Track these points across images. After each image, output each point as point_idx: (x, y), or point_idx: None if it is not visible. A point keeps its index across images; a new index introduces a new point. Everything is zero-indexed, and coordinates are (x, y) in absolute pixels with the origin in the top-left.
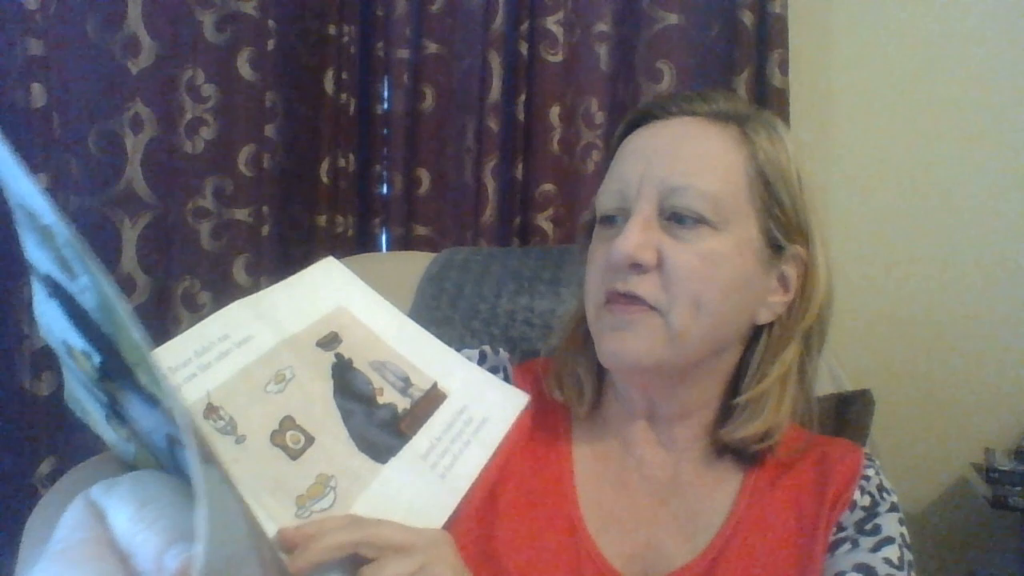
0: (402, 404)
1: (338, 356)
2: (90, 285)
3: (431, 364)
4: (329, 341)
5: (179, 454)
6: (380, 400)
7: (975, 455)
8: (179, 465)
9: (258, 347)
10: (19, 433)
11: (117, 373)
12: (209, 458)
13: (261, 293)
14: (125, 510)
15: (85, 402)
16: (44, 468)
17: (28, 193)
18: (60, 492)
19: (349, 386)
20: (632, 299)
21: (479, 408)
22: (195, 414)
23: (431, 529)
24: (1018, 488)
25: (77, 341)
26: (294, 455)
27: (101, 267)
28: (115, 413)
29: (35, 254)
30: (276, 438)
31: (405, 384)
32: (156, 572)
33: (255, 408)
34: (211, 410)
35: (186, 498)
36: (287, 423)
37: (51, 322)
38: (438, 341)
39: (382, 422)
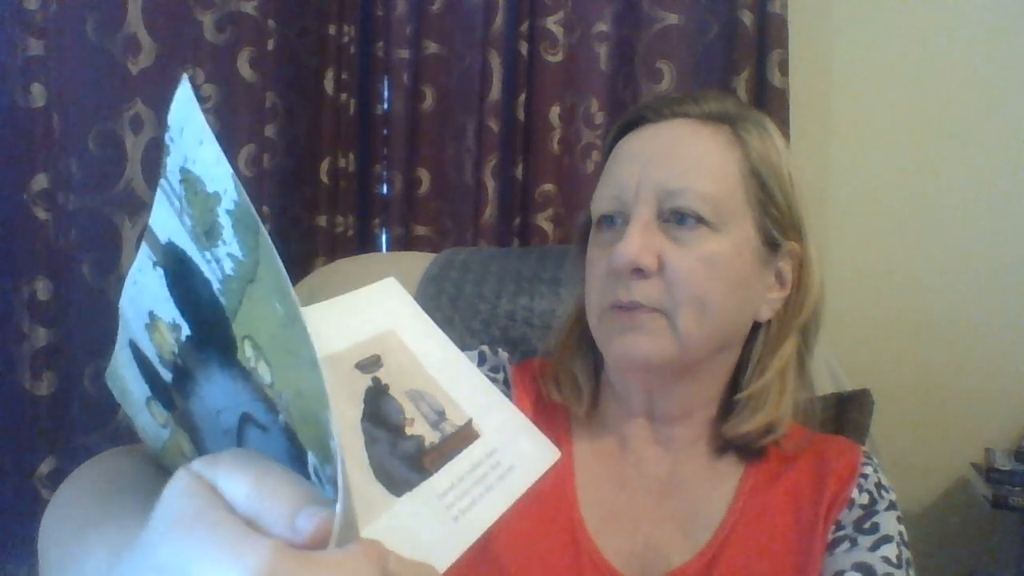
0: (430, 438)
1: (375, 380)
2: (236, 253)
3: (470, 400)
4: (370, 364)
5: (250, 434)
6: (409, 431)
7: (975, 455)
8: (244, 447)
9: None
10: (19, 433)
11: (210, 347)
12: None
13: (313, 306)
14: (243, 479)
15: (129, 382)
16: (44, 468)
17: (206, 159)
18: (73, 486)
19: (379, 412)
20: (637, 307)
21: (508, 455)
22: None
23: (427, 565)
24: (1018, 488)
25: (168, 313)
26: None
27: (264, 231)
28: (170, 395)
29: (163, 222)
30: None
31: (439, 418)
32: (287, 534)
33: None
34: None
35: (295, 472)
36: None
37: (142, 291)
38: (484, 379)
39: (405, 454)
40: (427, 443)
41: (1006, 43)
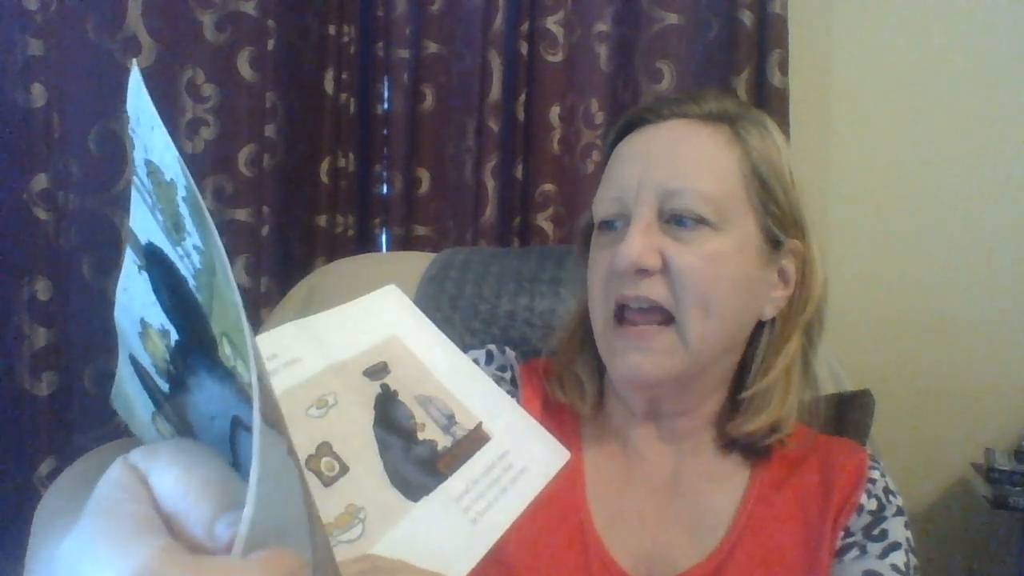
0: (443, 442)
1: (384, 387)
2: (199, 244)
3: (478, 403)
4: (377, 371)
5: (242, 440)
6: (420, 436)
7: (975, 455)
8: (237, 455)
9: (305, 370)
10: (19, 433)
11: (196, 350)
12: (276, 425)
13: (316, 316)
14: (171, 472)
15: (134, 399)
16: (44, 468)
17: (158, 145)
18: (67, 484)
19: (390, 418)
20: (644, 314)
21: (520, 457)
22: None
23: None
24: (1018, 488)
25: (157, 318)
26: (327, 482)
27: (210, 221)
28: (169, 406)
29: (141, 222)
30: (311, 463)
31: (449, 422)
32: (207, 540)
33: (294, 431)
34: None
35: (233, 470)
36: (323, 449)
37: (132, 299)
38: (490, 381)
39: (419, 459)
40: (440, 447)
41: (1006, 43)
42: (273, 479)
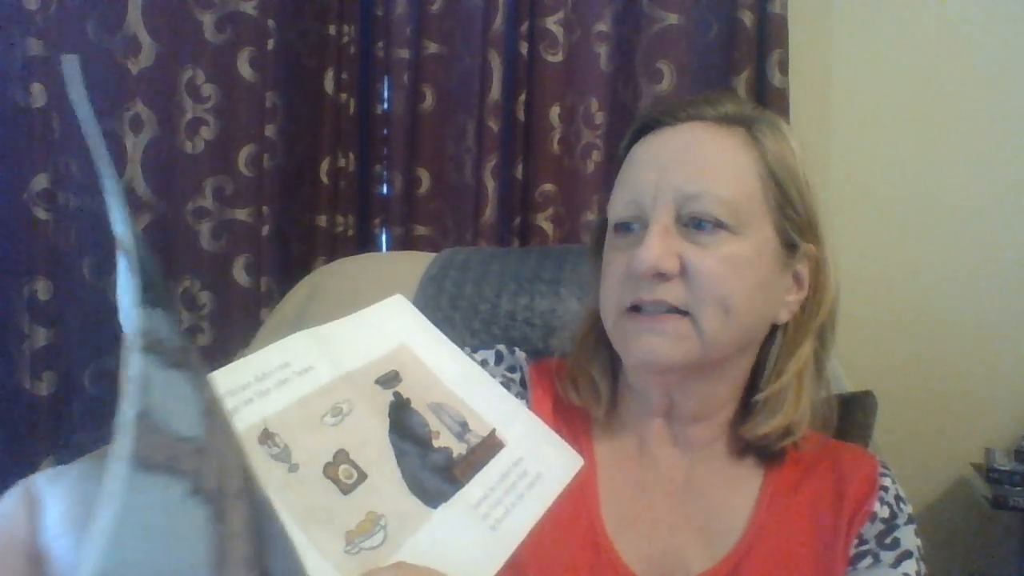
0: (457, 449)
1: (396, 395)
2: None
3: (491, 410)
4: (389, 379)
5: None
6: (435, 443)
7: (975, 455)
8: None
9: (317, 378)
10: (19, 433)
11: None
12: (168, 467)
13: (326, 325)
14: (62, 503)
15: None
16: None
17: (97, 140)
18: None
19: (405, 426)
20: (659, 308)
21: (534, 463)
22: (250, 439)
23: None
24: (1018, 488)
25: None
26: (346, 490)
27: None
28: None
29: (118, 223)
30: (329, 471)
31: (462, 429)
32: None
33: (310, 438)
34: (266, 436)
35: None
36: (341, 457)
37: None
38: (501, 387)
39: (435, 466)
40: (455, 454)
41: (1006, 42)
42: (144, 528)
